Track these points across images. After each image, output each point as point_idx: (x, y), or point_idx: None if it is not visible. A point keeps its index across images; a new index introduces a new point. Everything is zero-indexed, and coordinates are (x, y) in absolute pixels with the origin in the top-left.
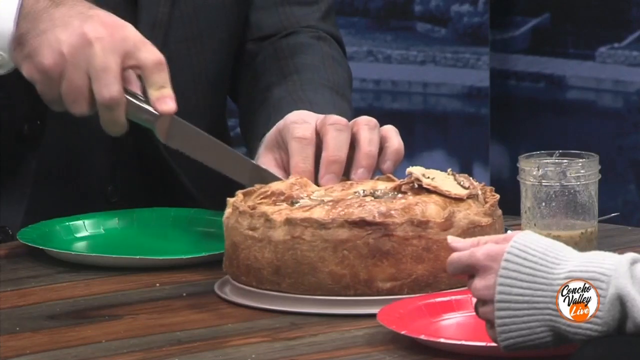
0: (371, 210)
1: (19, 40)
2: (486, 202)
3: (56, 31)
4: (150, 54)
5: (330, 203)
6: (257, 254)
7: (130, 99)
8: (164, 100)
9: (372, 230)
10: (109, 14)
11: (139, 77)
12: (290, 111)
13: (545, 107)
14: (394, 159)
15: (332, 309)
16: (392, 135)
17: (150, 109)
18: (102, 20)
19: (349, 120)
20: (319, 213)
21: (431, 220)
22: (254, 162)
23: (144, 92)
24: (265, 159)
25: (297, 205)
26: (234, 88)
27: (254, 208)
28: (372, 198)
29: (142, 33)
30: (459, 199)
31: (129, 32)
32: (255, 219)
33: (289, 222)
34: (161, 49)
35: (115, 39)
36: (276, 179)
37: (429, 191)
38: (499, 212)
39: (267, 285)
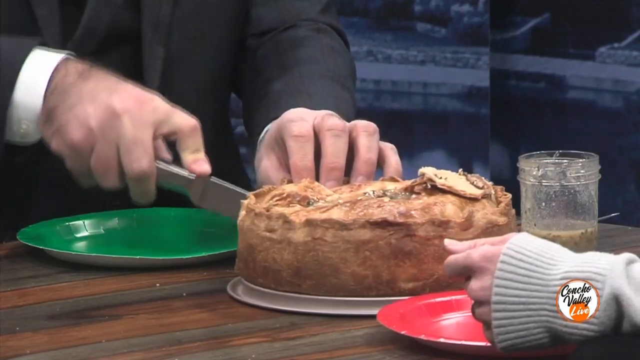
0: (391, 210)
1: (48, 115)
2: (498, 202)
3: (84, 105)
4: (184, 119)
5: (348, 204)
6: (276, 256)
7: (161, 166)
8: (199, 162)
9: (394, 231)
10: (136, 86)
11: (167, 143)
12: (289, 105)
13: (545, 107)
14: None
15: (332, 309)
16: (390, 154)
17: (184, 172)
18: (130, 93)
19: (352, 111)
20: (337, 214)
21: (452, 220)
22: None
23: (174, 158)
24: (269, 161)
25: (312, 206)
26: (237, 84)
27: (268, 210)
28: (390, 199)
29: (144, 34)
30: (473, 199)
31: (157, 103)
32: (273, 221)
33: (309, 223)
34: (164, 48)
35: (144, 111)
36: None
37: (442, 191)
38: (513, 211)
39: (287, 287)
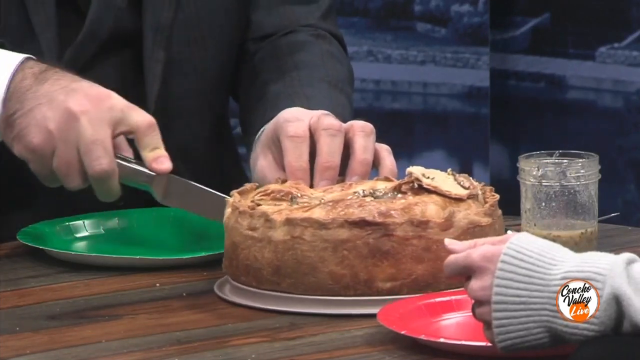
0: (371, 210)
1: (8, 121)
2: (486, 202)
3: (42, 109)
4: (141, 117)
5: (330, 203)
6: (257, 254)
7: (124, 163)
8: (160, 160)
9: (372, 230)
10: (92, 85)
11: (128, 141)
12: (286, 106)
13: (545, 107)
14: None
15: (332, 309)
16: (386, 155)
17: (146, 170)
18: (86, 93)
19: (348, 115)
20: (319, 213)
21: (431, 221)
22: None
23: (136, 155)
24: (265, 160)
25: (296, 204)
26: (235, 86)
27: (253, 208)
28: (372, 198)
29: (145, 37)
30: (459, 199)
31: (114, 100)
32: (255, 219)
33: (289, 222)
34: (165, 52)
35: (101, 110)
36: None
37: (429, 191)
38: (499, 212)
39: (267, 285)
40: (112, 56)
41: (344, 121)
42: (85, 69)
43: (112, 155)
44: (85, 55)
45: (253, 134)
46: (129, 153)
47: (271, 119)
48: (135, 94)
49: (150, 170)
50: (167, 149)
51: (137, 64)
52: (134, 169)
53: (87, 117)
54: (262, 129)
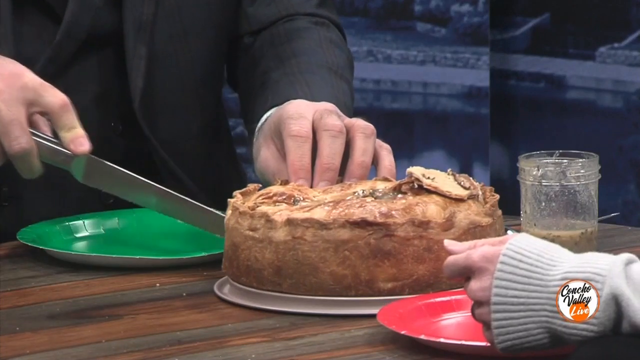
0: (372, 210)
1: None
2: (486, 202)
3: None
4: (53, 97)
5: (331, 204)
6: (258, 255)
7: (43, 142)
8: (78, 141)
9: (373, 231)
10: (5, 61)
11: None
12: (287, 92)
13: (545, 107)
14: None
15: (332, 309)
16: (385, 155)
17: (65, 150)
18: None
19: (349, 101)
20: (319, 213)
21: (432, 221)
22: (174, 193)
23: (54, 133)
24: (269, 151)
25: (297, 205)
26: (234, 77)
27: (254, 209)
28: (373, 198)
29: (127, 34)
30: (459, 200)
31: (27, 79)
32: (255, 220)
33: (290, 222)
34: (147, 48)
35: (13, 89)
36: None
37: (429, 191)
38: (499, 212)
39: (268, 286)
40: (92, 54)
41: (347, 107)
42: (65, 68)
43: (29, 134)
44: (64, 56)
45: (255, 122)
46: (48, 131)
47: (273, 106)
48: (119, 90)
49: (68, 150)
50: (154, 143)
51: (119, 61)
52: (53, 148)
53: (1, 97)
54: (264, 117)
